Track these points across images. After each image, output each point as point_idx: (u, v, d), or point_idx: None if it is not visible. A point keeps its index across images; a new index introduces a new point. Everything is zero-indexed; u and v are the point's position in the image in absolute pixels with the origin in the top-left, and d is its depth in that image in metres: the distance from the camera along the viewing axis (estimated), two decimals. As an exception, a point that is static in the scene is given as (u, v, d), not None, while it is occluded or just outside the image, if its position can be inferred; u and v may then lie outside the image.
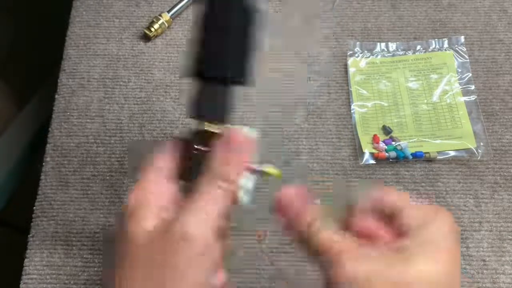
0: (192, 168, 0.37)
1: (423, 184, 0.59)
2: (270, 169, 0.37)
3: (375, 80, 0.66)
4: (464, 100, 0.64)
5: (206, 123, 0.37)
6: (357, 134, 0.62)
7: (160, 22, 0.69)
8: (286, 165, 0.60)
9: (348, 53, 0.68)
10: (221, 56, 0.38)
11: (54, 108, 0.66)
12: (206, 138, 0.37)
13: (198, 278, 0.32)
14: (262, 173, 0.37)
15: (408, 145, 0.61)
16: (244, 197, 0.38)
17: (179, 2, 0.71)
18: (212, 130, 0.37)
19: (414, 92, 0.65)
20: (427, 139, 0.61)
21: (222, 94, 0.38)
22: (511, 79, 0.66)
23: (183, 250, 0.31)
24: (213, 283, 0.34)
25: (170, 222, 0.32)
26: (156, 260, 0.32)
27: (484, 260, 0.55)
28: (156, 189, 0.35)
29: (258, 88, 0.66)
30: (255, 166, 0.37)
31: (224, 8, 0.38)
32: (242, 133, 0.36)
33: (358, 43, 0.68)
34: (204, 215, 0.33)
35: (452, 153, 0.61)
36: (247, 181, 0.39)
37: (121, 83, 0.67)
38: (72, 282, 0.55)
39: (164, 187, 0.35)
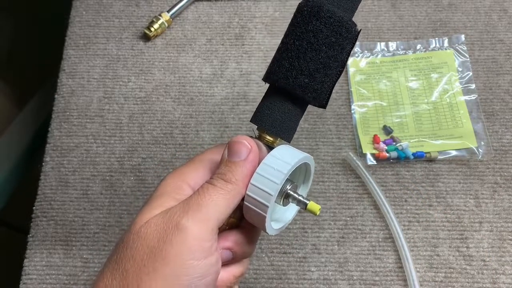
0: None
1: (423, 184, 0.59)
2: (312, 204, 0.36)
3: (375, 80, 0.66)
4: (465, 99, 0.64)
5: (263, 134, 0.38)
6: (357, 134, 0.62)
7: (160, 22, 0.69)
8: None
9: (348, 53, 0.67)
10: (308, 74, 0.36)
11: (54, 108, 0.66)
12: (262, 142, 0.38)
13: (180, 264, 0.32)
14: (304, 205, 0.36)
15: (409, 145, 0.61)
16: (274, 225, 0.38)
17: (179, 2, 0.71)
18: (267, 140, 0.38)
19: (415, 91, 0.65)
20: (427, 139, 0.61)
21: (293, 114, 0.37)
22: (512, 78, 0.66)
23: (173, 237, 0.32)
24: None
25: (174, 211, 0.33)
26: (149, 238, 0.33)
27: (484, 260, 0.55)
28: (190, 177, 0.36)
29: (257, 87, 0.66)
30: (302, 197, 0.36)
31: (324, 21, 0.35)
32: (252, 143, 0.35)
33: (358, 43, 0.68)
34: (202, 214, 0.33)
35: (453, 153, 0.60)
36: (285, 210, 0.39)
37: (121, 83, 0.67)
38: (72, 282, 0.55)
39: (198, 176, 0.36)
